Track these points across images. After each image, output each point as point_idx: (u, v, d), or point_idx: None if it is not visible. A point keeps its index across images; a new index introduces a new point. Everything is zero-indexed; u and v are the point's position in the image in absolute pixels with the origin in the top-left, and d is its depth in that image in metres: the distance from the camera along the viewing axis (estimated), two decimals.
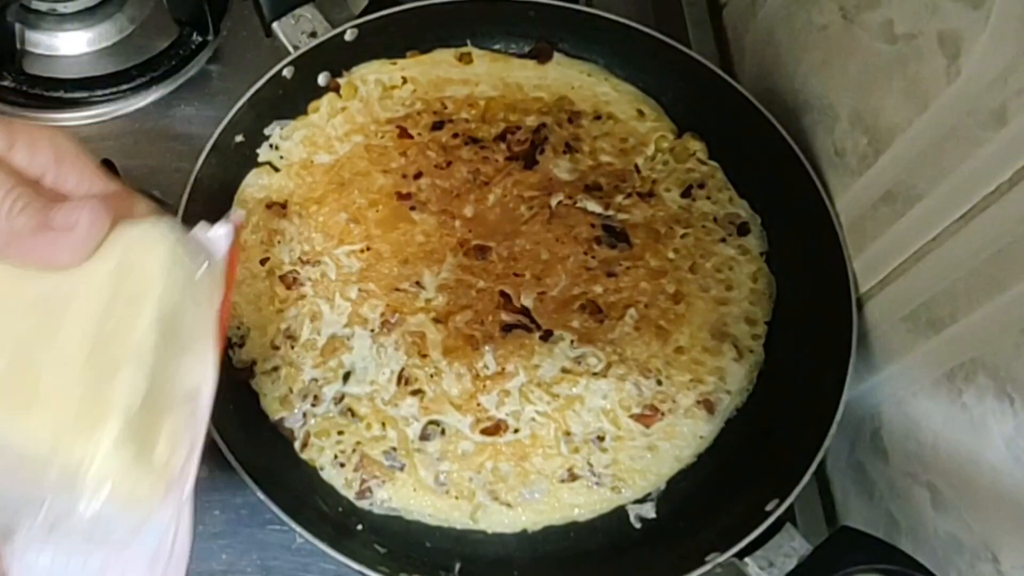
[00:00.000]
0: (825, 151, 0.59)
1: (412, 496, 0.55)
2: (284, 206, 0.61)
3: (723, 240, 0.62)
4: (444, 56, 0.67)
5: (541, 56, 0.68)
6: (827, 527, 0.58)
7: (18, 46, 0.70)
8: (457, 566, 0.53)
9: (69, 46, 0.72)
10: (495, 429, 0.56)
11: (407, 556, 0.53)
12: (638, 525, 0.55)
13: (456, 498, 0.55)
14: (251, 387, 0.57)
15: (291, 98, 0.63)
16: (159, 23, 0.73)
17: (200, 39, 0.71)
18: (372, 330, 0.58)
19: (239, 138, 0.61)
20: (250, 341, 0.58)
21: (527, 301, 0.59)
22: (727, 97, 0.64)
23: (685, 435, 0.57)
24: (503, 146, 0.64)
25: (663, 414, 0.57)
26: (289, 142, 0.63)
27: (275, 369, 0.57)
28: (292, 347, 0.58)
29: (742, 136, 0.63)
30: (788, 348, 0.59)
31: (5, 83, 0.68)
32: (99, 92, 0.69)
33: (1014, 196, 0.42)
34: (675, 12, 0.74)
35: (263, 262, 0.60)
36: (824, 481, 0.61)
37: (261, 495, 0.50)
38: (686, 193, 0.64)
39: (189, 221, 0.40)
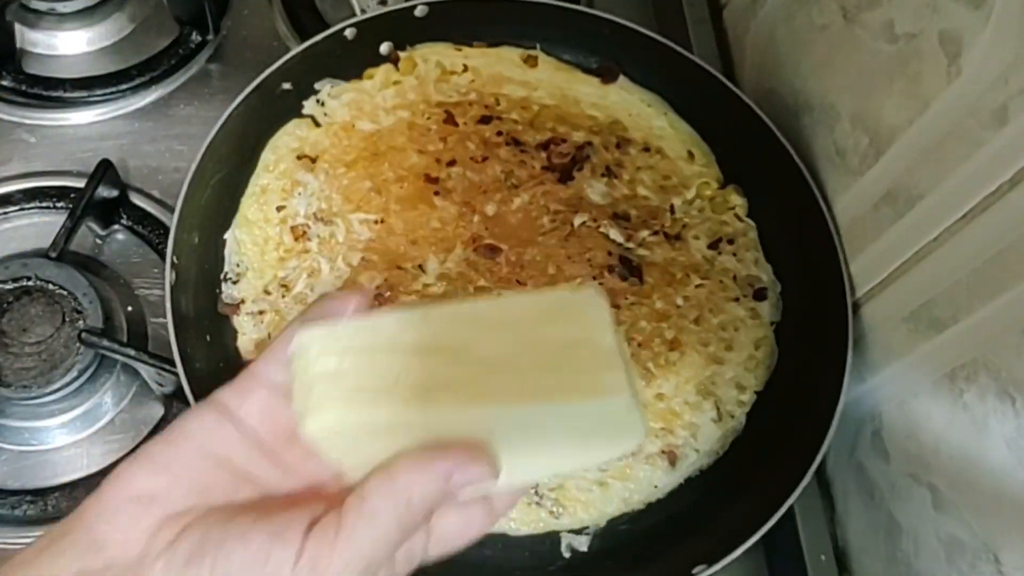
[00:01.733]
0: (826, 151, 0.59)
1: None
2: (314, 160, 0.62)
3: (736, 300, 0.61)
4: (510, 54, 0.67)
5: (606, 76, 0.67)
6: (828, 527, 0.58)
7: (18, 45, 0.70)
8: None
9: (69, 45, 0.72)
10: None
11: None
12: (567, 554, 0.55)
13: None
14: (232, 324, 0.58)
15: (348, 60, 0.64)
16: (159, 22, 0.73)
17: (200, 38, 0.71)
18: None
19: (286, 85, 0.62)
20: (245, 280, 0.59)
21: None
22: (777, 158, 0.61)
23: (640, 480, 0.56)
24: (543, 155, 0.63)
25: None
26: (336, 102, 0.64)
27: (261, 313, 0.58)
28: (283, 296, 0.58)
29: (784, 199, 0.61)
30: (770, 423, 0.57)
31: (4, 82, 0.68)
32: (99, 91, 0.69)
33: (1015, 196, 0.42)
34: (675, 12, 0.74)
35: (279, 209, 0.61)
36: (825, 482, 0.60)
37: None
38: (714, 245, 0.62)
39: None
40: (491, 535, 0.54)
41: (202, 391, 0.52)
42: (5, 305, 0.59)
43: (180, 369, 0.52)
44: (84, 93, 0.69)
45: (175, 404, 0.60)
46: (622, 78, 0.67)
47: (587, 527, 0.56)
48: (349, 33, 0.63)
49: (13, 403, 0.58)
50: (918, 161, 0.49)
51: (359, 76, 0.65)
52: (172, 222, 0.56)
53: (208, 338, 0.57)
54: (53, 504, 0.57)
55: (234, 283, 0.59)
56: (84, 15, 0.72)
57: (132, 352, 0.57)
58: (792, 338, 0.60)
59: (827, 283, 0.57)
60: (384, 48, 0.65)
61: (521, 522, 0.55)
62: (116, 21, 0.72)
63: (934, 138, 0.48)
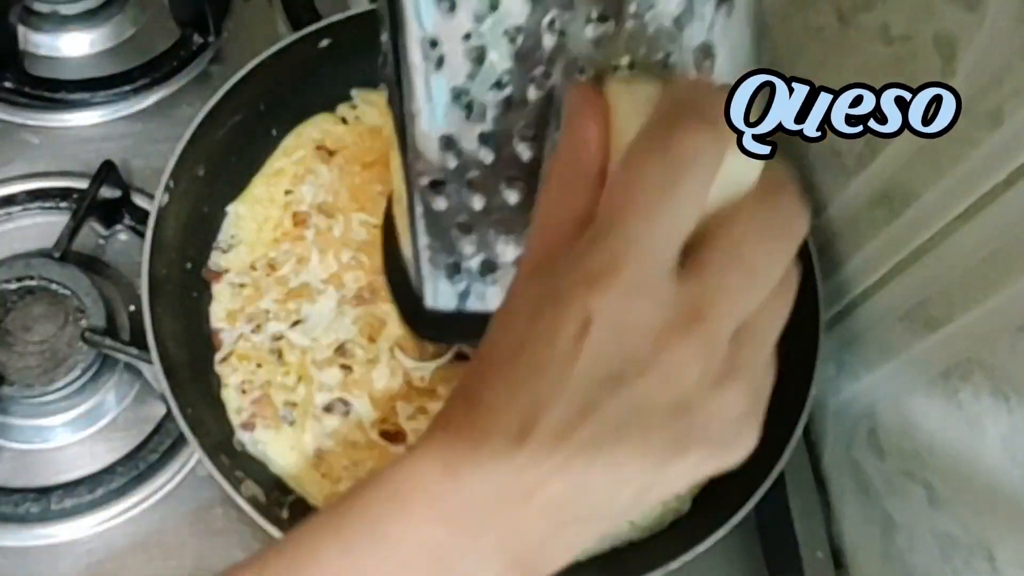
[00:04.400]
0: (821, 150, 0.59)
1: (286, 452, 0.55)
2: (332, 154, 0.63)
3: None
4: None
5: None
6: (824, 524, 0.58)
7: (20, 47, 0.71)
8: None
9: (71, 47, 0.72)
10: (395, 436, 0.56)
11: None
12: None
13: (323, 476, 0.55)
14: (211, 290, 0.59)
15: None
16: (161, 25, 0.73)
17: (202, 40, 0.71)
18: (343, 296, 0.59)
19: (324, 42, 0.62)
20: (235, 252, 0.60)
21: None
22: None
23: None
24: None
25: None
26: (369, 106, 0.65)
27: (242, 285, 0.59)
28: (267, 275, 0.59)
29: None
30: (713, 514, 0.53)
31: (8, 84, 0.68)
32: (101, 93, 0.69)
33: (1010, 197, 0.43)
34: None
35: (287, 192, 0.62)
36: (821, 479, 0.61)
37: (161, 376, 0.52)
38: None
39: None
40: None
41: (169, 350, 0.54)
42: (8, 304, 0.60)
43: (150, 332, 0.53)
44: (87, 95, 0.69)
45: None
46: None
47: None
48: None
49: (16, 401, 0.59)
50: (913, 161, 0.50)
51: None
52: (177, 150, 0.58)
53: (192, 296, 0.58)
54: (56, 502, 0.57)
55: (223, 252, 0.60)
56: (87, 17, 0.72)
57: (135, 351, 0.58)
58: (763, 431, 0.56)
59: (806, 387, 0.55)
60: None
61: None
62: (118, 23, 0.73)
63: (929, 139, 0.48)
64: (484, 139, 0.37)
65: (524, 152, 0.37)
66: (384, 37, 0.36)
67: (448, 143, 0.37)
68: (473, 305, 0.43)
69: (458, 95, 0.35)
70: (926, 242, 0.49)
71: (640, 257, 0.26)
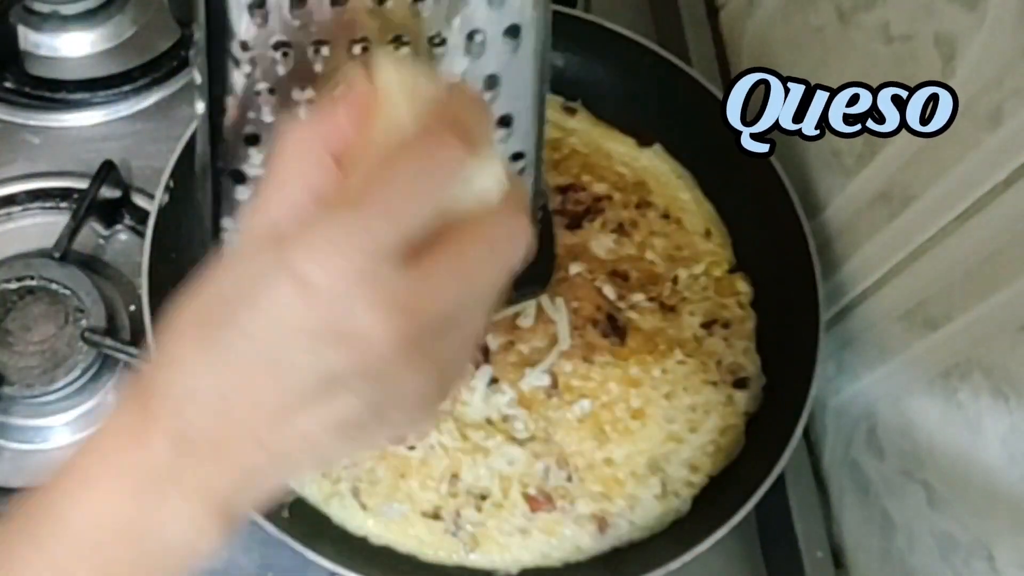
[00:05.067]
0: (821, 151, 0.59)
1: None
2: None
3: (715, 384, 0.58)
4: (551, 100, 0.65)
5: (642, 138, 0.66)
6: (824, 524, 0.58)
7: (21, 47, 0.71)
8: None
9: (71, 47, 0.72)
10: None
11: None
12: None
13: (323, 476, 0.55)
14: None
15: None
16: (161, 24, 0.73)
17: None
18: None
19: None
20: None
21: (492, 343, 0.57)
22: (796, 259, 0.58)
23: (564, 538, 0.55)
24: (559, 198, 0.62)
25: (554, 508, 0.54)
26: None
27: None
28: None
29: (790, 299, 0.58)
30: (713, 514, 0.53)
31: (8, 84, 0.68)
32: (101, 93, 0.69)
33: (1009, 196, 0.43)
34: (672, 14, 0.74)
35: None
36: (821, 479, 0.61)
37: None
38: (707, 325, 0.60)
39: None
40: (402, 552, 0.54)
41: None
42: (9, 304, 0.60)
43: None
44: (87, 95, 0.69)
45: None
46: (657, 145, 0.65)
47: (497, 569, 0.54)
48: None
49: (16, 402, 0.59)
50: (912, 161, 0.50)
51: None
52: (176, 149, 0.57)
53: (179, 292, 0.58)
54: None
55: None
56: (87, 17, 0.72)
57: (135, 351, 0.58)
58: (763, 432, 0.57)
59: (806, 387, 0.55)
60: None
61: (431, 548, 0.54)
62: (118, 23, 0.73)
63: (929, 139, 0.48)
64: (277, 47, 0.38)
65: (316, 64, 0.38)
66: None
67: (244, 46, 0.38)
68: None
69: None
70: (926, 242, 0.49)
71: (361, 242, 0.28)
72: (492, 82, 0.41)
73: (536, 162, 0.45)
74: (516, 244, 0.31)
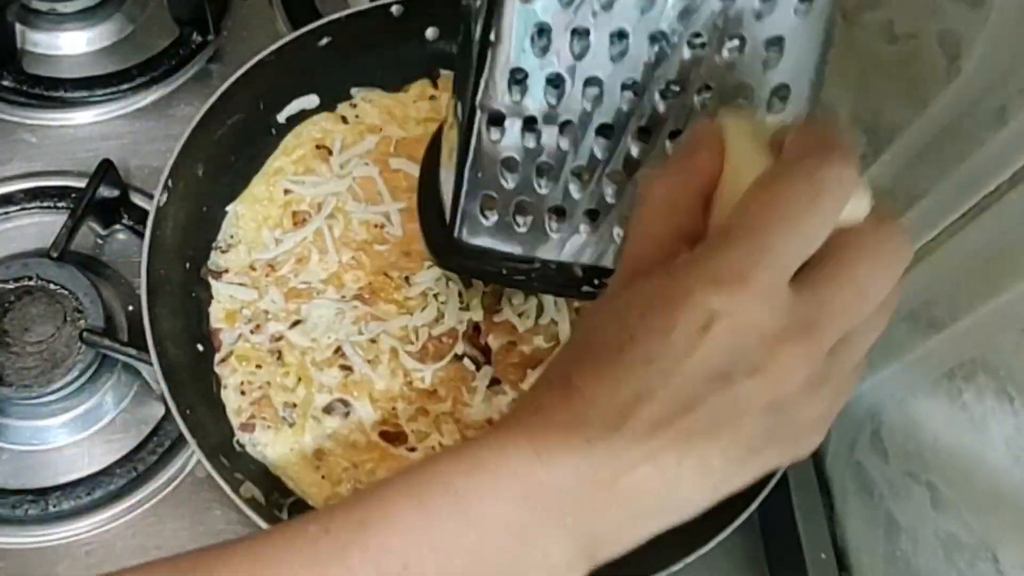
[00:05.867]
0: None
1: (286, 455, 0.55)
2: (330, 152, 0.62)
3: None
4: None
5: None
6: (827, 525, 0.58)
7: (18, 45, 0.70)
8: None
9: (69, 46, 0.72)
10: (395, 437, 0.55)
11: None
12: None
13: (322, 478, 0.55)
14: (210, 289, 0.59)
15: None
16: (159, 23, 0.73)
17: (200, 39, 0.71)
18: (343, 296, 0.58)
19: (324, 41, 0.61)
20: (234, 252, 0.60)
21: (494, 343, 0.57)
22: None
23: None
24: None
25: None
26: (369, 105, 0.64)
27: (241, 284, 0.59)
28: (267, 275, 0.59)
29: None
30: (716, 515, 0.51)
31: (5, 83, 0.68)
32: (99, 92, 0.69)
33: (1014, 196, 0.42)
34: None
35: (286, 192, 0.61)
36: (824, 480, 0.61)
37: (160, 376, 0.52)
38: None
39: None
40: None
41: (168, 350, 0.54)
42: (6, 305, 0.59)
43: (148, 330, 0.53)
44: (85, 93, 0.69)
45: None
46: None
47: None
48: (395, 10, 0.62)
49: (14, 402, 0.58)
50: (917, 161, 0.49)
51: (398, 85, 0.65)
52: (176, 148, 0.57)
53: (192, 294, 0.58)
54: (54, 504, 0.57)
55: (223, 252, 0.60)
56: (85, 15, 0.72)
57: (133, 352, 0.58)
58: None
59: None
60: (430, 33, 0.64)
61: None
62: (116, 21, 0.72)
63: (933, 138, 0.48)
64: (551, 81, 0.40)
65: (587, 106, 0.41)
66: None
67: (517, 76, 0.40)
68: (498, 243, 0.46)
69: (539, 32, 0.39)
70: (930, 242, 0.49)
71: (770, 266, 0.28)
72: (776, 44, 0.40)
73: None
74: (901, 254, 0.31)
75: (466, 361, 0.57)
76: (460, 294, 0.58)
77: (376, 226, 0.60)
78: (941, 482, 0.50)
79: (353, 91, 0.64)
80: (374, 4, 0.62)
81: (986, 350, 0.45)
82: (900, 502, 0.53)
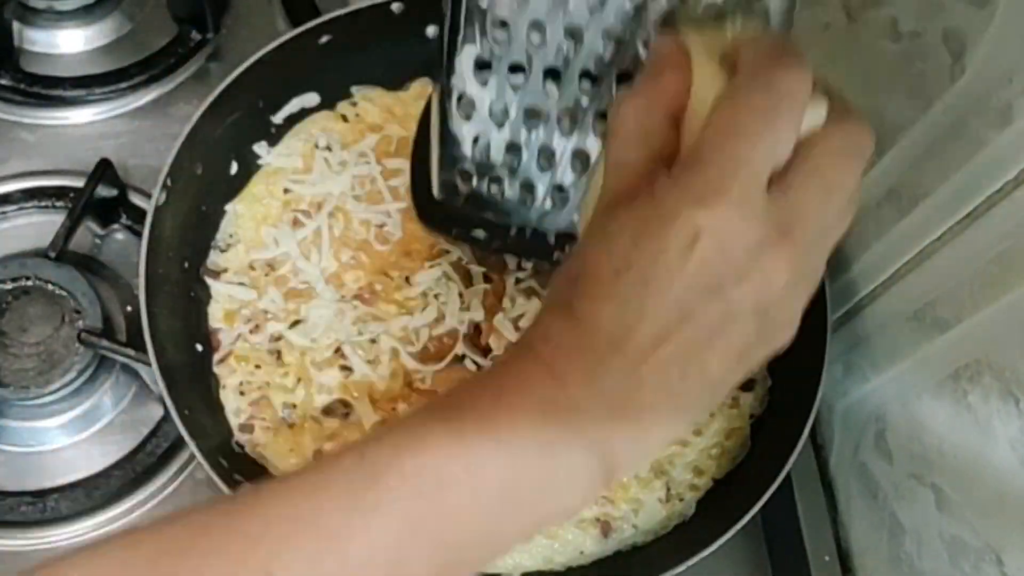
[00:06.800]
0: None
1: (285, 455, 0.55)
2: (330, 149, 0.62)
3: None
4: None
5: None
6: (831, 528, 0.58)
7: (16, 44, 0.70)
8: None
9: (67, 44, 0.71)
10: None
11: None
12: None
13: None
14: (209, 289, 0.58)
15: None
16: (158, 21, 0.72)
17: (200, 37, 0.71)
18: (343, 296, 0.58)
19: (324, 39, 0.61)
20: (233, 251, 0.60)
21: (494, 344, 0.57)
22: None
23: (567, 542, 0.54)
24: None
25: None
26: (370, 104, 0.64)
27: (240, 284, 0.59)
28: (266, 275, 0.59)
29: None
30: (718, 518, 0.52)
31: (3, 81, 0.68)
32: (98, 90, 0.69)
33: (1020, 195, 0.42)
34: None
35: (286, 191, 0.61)
36: (828, 483, 0.60)
37: (159, 377, 0.52)
38: None
39: None
40: None
41: (165, 349, 0.54)
42: (4, 305, 0.59)
43: (147, 328, 0.53)
44: (83, 92, 0.68)
45: None
46: None
47: (500, 574, 0.54)
48: (396, 8, 0.62)
49: (12, 404, 0.58)
50: (921, 160, 0.49)
51: (399, 83, 0.65)
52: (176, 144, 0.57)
53: (191, 294, 0.58)
54: (52, 506, 0.57)
55: (222, 251, 0.60)
56: (83, 13, 0.71)
57: (131, 352, 0.57)
58: (768, 434, 0.57)
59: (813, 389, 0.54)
60: (431, 31, 0.63)
61: None
62: (115, 19, 0.72)
63: (937, 137, 0.48)
64: (533, 26, 0.42)
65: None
66: None
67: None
68: (475, 211, 0.49)
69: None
70: (934, 242, 0.49)
71: (745, 177, 0.30)
72: None
73: None
74: (863, 147, 0.32)
75: (467, 362, 0.57)
76: (460, 295, 0.58)
77: (376, 225, 0.60)
78: (946, 484, 0.49)
79: (353, 89, 0.64)
80: (374, 2, 0.62)
81: (991, 351, 0.45)
82: (904, 504, 0.53)
